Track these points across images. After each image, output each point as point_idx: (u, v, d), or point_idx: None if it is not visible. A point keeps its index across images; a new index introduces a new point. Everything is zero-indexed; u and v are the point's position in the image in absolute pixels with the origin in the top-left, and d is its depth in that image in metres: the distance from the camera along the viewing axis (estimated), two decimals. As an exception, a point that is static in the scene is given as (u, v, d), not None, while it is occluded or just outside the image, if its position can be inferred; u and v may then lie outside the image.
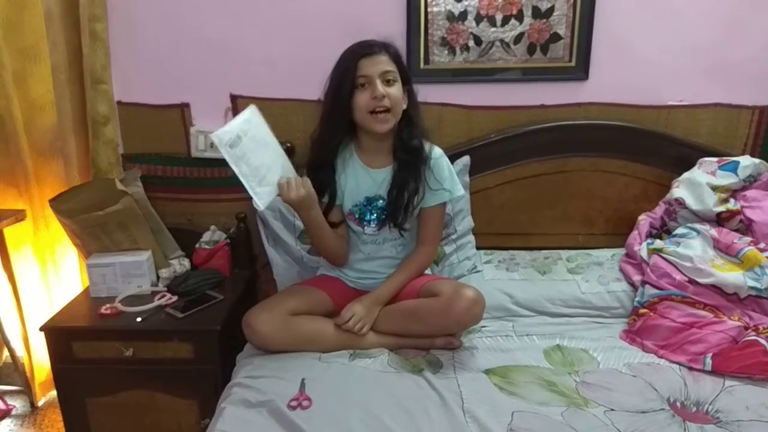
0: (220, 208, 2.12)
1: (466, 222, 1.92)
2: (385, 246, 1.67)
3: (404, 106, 1.57)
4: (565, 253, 1.96)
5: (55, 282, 2.07)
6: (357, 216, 1.64)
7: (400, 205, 1.58)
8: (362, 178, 1.63)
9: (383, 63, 1.51)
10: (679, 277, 1.64)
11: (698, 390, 1.38)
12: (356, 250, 1.69)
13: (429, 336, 1.55)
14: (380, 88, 1.49)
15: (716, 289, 1.60)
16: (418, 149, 1.59)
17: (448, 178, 1.64)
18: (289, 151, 1.95)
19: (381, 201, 1.62)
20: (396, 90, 1.53)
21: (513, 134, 1.98)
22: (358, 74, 1.50)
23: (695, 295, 1.60)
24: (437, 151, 1.65)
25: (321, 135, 1.60)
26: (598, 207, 2.03)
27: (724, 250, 1.69)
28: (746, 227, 1.76)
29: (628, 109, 1.99)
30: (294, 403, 1.30)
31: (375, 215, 1.63)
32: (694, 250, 1.68)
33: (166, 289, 1.86)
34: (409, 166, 1.58)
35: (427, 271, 1.76)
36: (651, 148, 1.97)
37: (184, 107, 2.05)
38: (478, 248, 1.95)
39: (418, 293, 1.58)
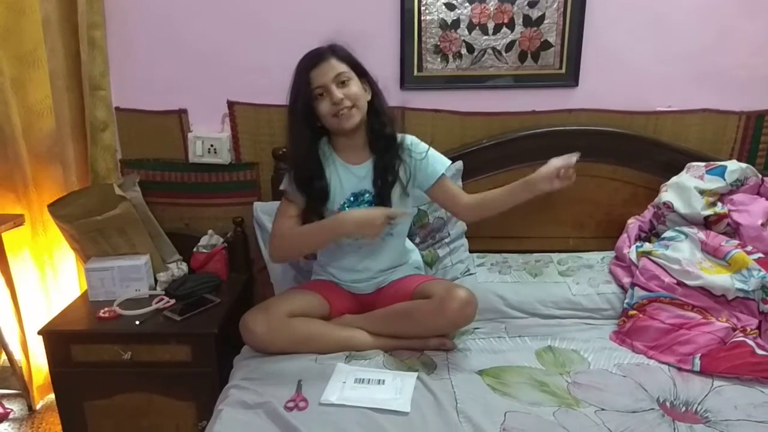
0: (218, 213, 2.14)
1: (459, 225, 1.94)
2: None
3: (368, 98, 1.59)
4: (556, 256, 1.97)
5: (53, 286, 2.08)
6: None
7: (387, 193, 1.60)
8: (344, 176, 1.63)
9: (333, 68, 1.53)
10: (667, 279, 1.66)
11: (687, 390, 1.40)
12: (343, 247, 1.67)
13: (422, 337, 1.56)
14: (336, 93, 1.51)
15: (704, 291, 1.62)
16: (392, 135, 1.61)
17: (431, 153, 1.66)
18: (283, 156, 1.97)
19: (367, 195, 1.63)
20: (354, 87, 1.54)
21: (505, 140, 2.00)
22: (313, 86, 1.52)
23: (684, 296, 1.62)
24: (409, 138, 1.67)
25: (292, 150, 1.61)
26: (588, 211, 2.05)
27: (711, 252, 1.71)
28: (733, 230, 1.78)
29: (618, 115, 2.02)
30: (291, 405, 1.31)
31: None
32: (683, 253, 1.71)
33: (164, 292, 1.88)
34: (387, 153, 1.61)
35: (421, 272, 1.78)
36: (640, 153, 1.99)
37: (181, 113, 2.07)
38: (471, 251, 1.96)
39: (411, 295, 1.59)
